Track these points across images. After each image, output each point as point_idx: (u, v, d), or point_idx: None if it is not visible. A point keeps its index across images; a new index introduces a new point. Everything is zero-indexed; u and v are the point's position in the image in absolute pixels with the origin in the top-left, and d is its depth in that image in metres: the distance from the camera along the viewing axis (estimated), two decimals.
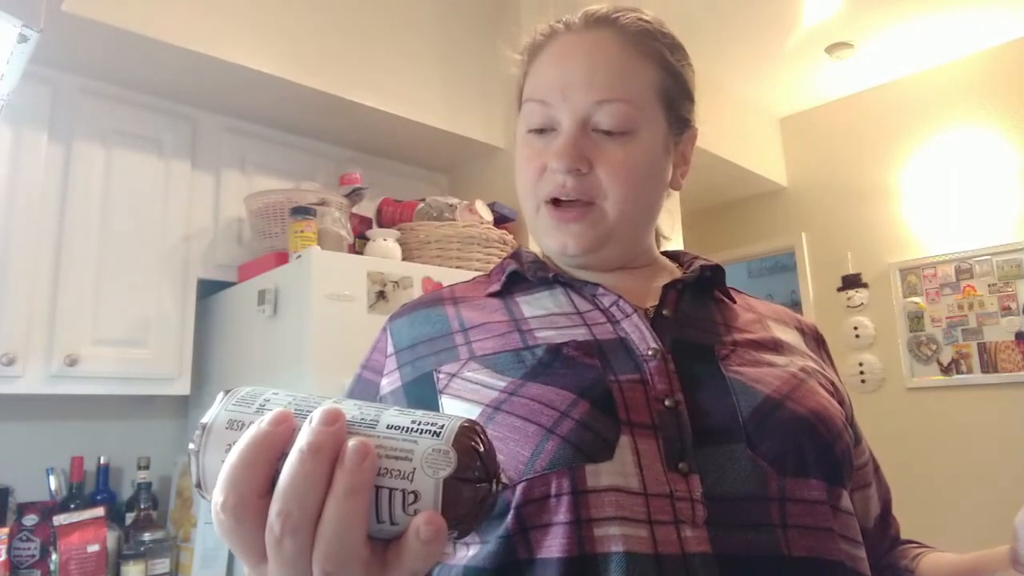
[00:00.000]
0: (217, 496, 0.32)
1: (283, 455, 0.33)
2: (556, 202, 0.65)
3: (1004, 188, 3.02)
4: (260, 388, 0.37)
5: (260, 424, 0.33)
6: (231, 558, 1.69)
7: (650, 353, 0.59)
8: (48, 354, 1.65)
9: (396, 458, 0.32)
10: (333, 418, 0.32)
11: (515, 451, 0.52)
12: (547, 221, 0.66)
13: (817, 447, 0.56)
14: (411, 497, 0.32)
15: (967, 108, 3.14)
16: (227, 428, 0.35)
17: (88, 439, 1.87)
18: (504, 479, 0.35)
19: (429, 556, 0.31)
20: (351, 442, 0.31)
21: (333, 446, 0.31)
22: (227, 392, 0.37)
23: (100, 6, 1.61)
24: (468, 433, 0.33)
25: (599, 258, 0.68)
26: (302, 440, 0.31)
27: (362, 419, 0.34)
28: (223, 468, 0.33)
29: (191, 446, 0.35)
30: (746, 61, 3.15)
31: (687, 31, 0.72)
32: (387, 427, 0.33)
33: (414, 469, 0.32)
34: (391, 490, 0.32)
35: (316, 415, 0.32)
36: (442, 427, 0.33)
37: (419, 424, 0.33)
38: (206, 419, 0.36)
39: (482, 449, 0.34)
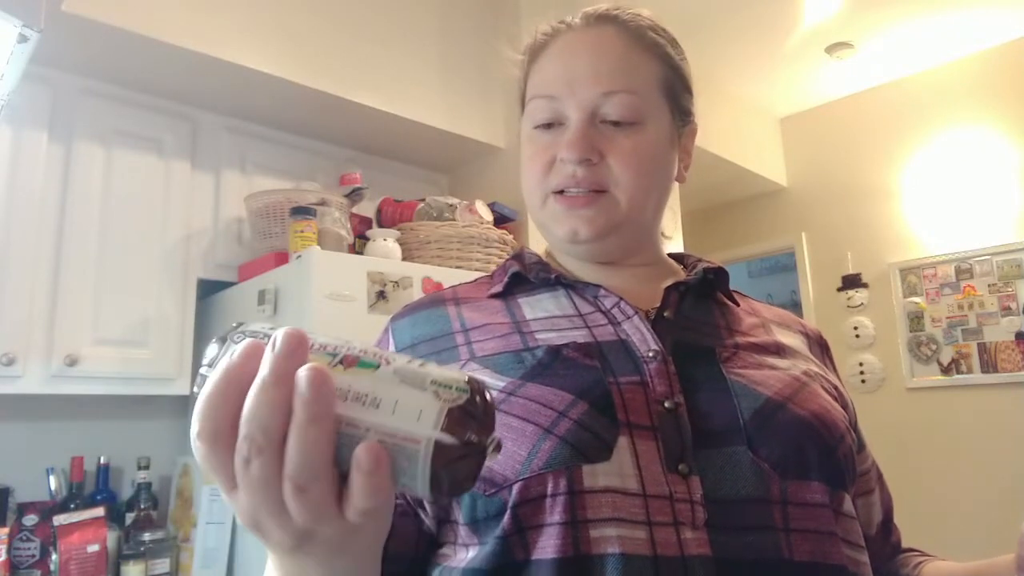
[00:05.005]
0: (194, 426, 0.34)
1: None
2: (564, 192, 0.66)
3: (1004, 188, 3.02)
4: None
5: (232, 357, 0.34)
6: (231, 557, 1.69)
7: (650, 355, 0.59)
8: (48, 354, 1.64)
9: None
10: (294, 346, 0.33)
11: (512, 450, 0.53)
12: (555, 209, 0.67)
13: (819, 450, 0.55)
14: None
15: (967, 108, 3.14)
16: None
17: (88, 439, 1.87)
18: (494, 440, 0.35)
19: (375, 490, 0.32)
20: (302, 371, 0.32)
21: (294, 376, 0.32)
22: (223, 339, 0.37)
23: (100, 6, 1.60)
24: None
25: (607, 246, 0.68)
26: (264, 369, 0.33)
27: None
28: (198, 399, 0.34)
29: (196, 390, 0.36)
30: (746, 61, 3.15)
31: (687, 31, 0.73)
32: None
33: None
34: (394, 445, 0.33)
35: (279, 341, 0.33)
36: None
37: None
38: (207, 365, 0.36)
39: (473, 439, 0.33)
